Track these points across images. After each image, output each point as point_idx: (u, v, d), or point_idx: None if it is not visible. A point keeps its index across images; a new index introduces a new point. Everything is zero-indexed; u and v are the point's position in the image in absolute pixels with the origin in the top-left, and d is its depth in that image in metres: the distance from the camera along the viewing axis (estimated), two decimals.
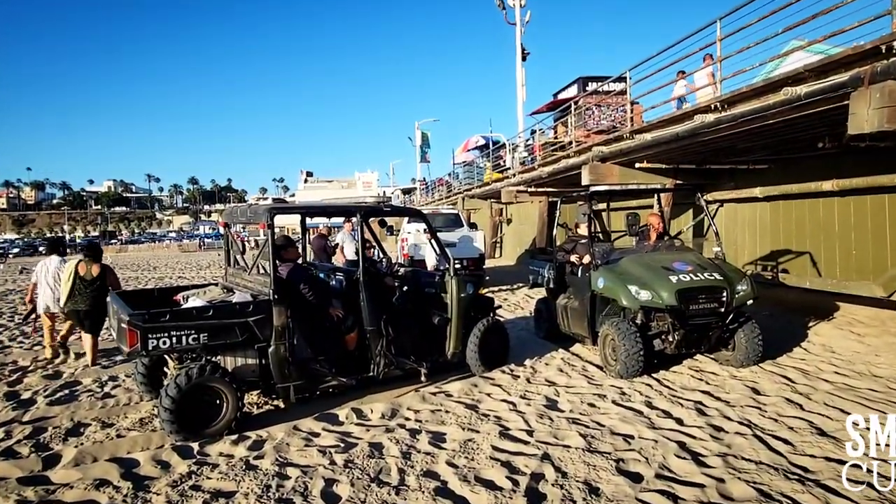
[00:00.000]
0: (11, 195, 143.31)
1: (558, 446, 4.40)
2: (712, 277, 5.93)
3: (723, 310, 5.88)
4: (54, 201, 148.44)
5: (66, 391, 6.09)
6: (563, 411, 5.15)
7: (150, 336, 4.54)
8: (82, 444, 4.72)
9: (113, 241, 73.04)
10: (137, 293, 6.35)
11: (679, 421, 4.82)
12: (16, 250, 54.67)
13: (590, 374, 6.19)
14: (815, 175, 8.80)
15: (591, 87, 14.81)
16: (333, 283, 6.19)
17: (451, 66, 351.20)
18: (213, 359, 5.00)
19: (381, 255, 6.62)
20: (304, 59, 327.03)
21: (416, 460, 4.25)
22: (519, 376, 6.13)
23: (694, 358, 6.55)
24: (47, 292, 7.32)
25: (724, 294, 5.88)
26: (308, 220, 6.66)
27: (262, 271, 5.46)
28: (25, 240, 79.84)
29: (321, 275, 6.48)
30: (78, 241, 63.94)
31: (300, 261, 6.33)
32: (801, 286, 8.65)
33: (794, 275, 9.04)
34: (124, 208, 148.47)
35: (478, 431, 4.73)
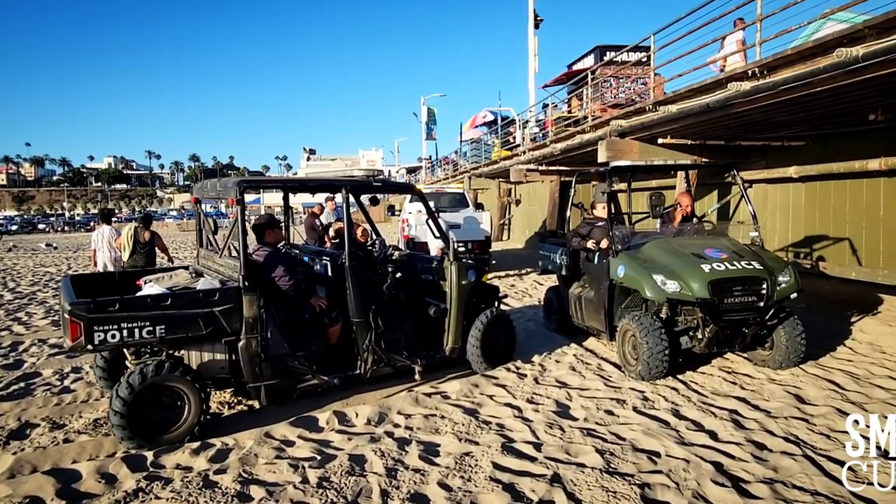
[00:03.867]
0: (11, 171, 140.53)
1: (571, 465, 3.72)
2: (751, 266, 5.18)
3: (762, 304, 5.13)
4: (54, 178, 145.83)
5: (22, 384, 5.50)
6: (576, 419, 4.46)
7: (95, 328, 3.89)
8: (23, 449, 4.13)
9: (112, 219, 71.61)
10: (96, 277, 5.72)
11: (713, 435, 4.12)
12: (14, 227, 53.26)
13: (606, 374, 5.49)
14: (860, 153, 7.96)
15: (610, 56, 13.84)
16: (318, 268, 5.50)
17: (459, 35, 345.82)
18: (176, 353, 4.38)
19: (374, 237, 5.93)
20: (308, 34, 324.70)
21: (402, 479, 3.59)
22: (526, 375, 5.45)
23: (724, 357, 5.83)
24: (105, 254, 8.52)
25: (765, 286, 5.13)
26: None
27: (233, 254, 4.79)
28: (25, 216, 78.10)
29: (305, 258, 5.81)
30: (77, 218, 64.86)
31: (283, 244, 5.66)
32: (845, 276, 7.84)
33: (836, 264, 8.23)
34: (125, 186, 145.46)
35: (477, 443, 4.07)
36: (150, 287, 4.41)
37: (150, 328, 4.05)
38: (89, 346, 3.92)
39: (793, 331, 5.28)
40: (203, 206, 5.56)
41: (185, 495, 3.43)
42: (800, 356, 5.34)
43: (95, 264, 8.76)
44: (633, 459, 3.76)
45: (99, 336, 3.90)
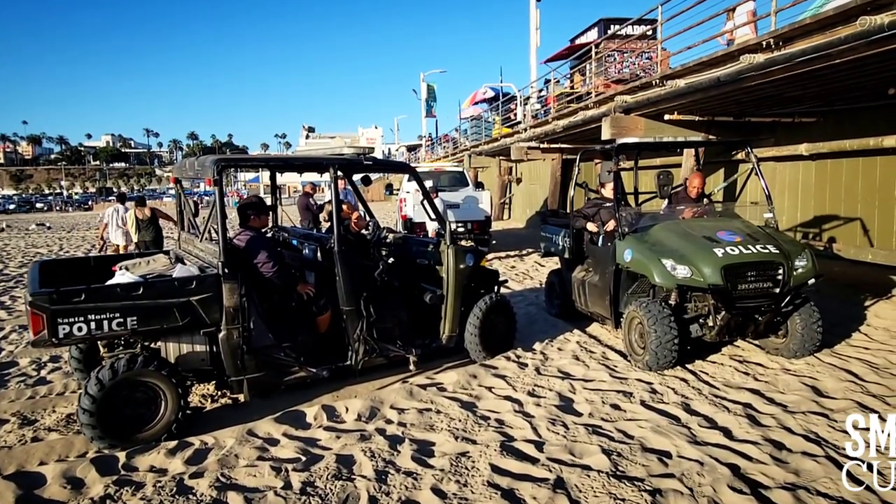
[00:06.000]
0: (8, 150, 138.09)
1: (576, 467, 3.45)
2: (766, 250, 4.86)
3: (778, 290, 4.83)
4: (52, 156, 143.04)
5: None
6: (580, 415, 4.19)
7: (59, 320, 3.58)
8: None
9: (110, 197, 70.11)
10: (69, 262, 5.39)
11: (727, 433, 3.84)
12: (12, 206, 52.33)
13: (611, 363, 5.21)
14: (875, 129, 7.58)
15: (614, 30, 13.34)
16: (306, 252, 5.18)
17: (460, 9, 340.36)
18: (152, 345, 4.08)
19: (367, 219, 5.59)
20: (307, 10, 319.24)
21: (393, 484, 3.32)
22: (526, 365, 5.16)
23: (734, 345, 5.55)
24: (118, 231, 9.46)
25: (781, 271, 4.82)
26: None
27: (214, 238, 4.46)
28: (23, 195, 77.31)
29: (293, 241, 5.48)
30: (76, 196, 64.60)
31: (267, 228, 5.33)
32: (861, 259, 7.52)
33: (847, 245, 7.90)
34: (123, 164, 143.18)
35: (475, 442, 3.79)
36: (122, 275, 4.09)
37: (121, 319, 3.74)
38: (53, 340, 3.61)
39: (809, 318, 4.99)
40: (199, 186, 5.24)
41: (156, 503, 3.16)
42: (815, 345, 5.06)
43: (103, 238, 9.84)
44: (642, 461, 3.49)
45: (64, 329, 3.60)
